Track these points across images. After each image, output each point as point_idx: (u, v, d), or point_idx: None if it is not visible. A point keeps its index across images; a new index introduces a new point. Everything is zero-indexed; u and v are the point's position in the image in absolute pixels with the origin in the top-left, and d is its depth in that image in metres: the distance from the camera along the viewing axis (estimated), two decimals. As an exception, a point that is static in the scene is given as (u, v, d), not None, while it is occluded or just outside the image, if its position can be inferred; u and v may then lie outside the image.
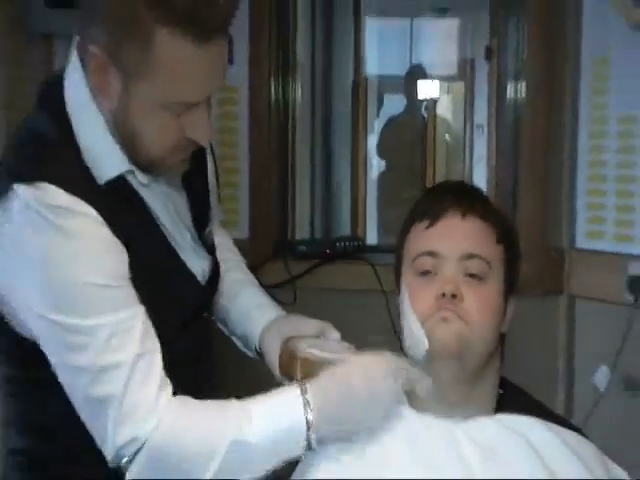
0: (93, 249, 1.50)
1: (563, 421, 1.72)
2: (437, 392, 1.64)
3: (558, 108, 2.75)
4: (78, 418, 1.53)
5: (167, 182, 1.69)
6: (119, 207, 1.54)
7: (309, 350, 1.68)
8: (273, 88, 2.96)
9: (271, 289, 2.72)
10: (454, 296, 1.61)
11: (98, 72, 1.50)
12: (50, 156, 1.52)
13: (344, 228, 4.46)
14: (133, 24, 1.43)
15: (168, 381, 1.53)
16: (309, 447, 1.52)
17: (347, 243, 3.05)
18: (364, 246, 3.08)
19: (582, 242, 2.71)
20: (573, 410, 2.71)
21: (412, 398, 1.67)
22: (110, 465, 1.52)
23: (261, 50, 2.83)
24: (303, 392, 1.52)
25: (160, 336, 1.55)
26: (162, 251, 1.66)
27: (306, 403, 1.51)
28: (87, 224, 1.49)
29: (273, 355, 1.79)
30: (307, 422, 1.51)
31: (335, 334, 1.75)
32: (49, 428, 1.65)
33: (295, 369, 1.68)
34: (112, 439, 1.49)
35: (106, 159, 1.56)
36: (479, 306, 1.62)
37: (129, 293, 1.53)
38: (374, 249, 3.11)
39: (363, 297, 2.64)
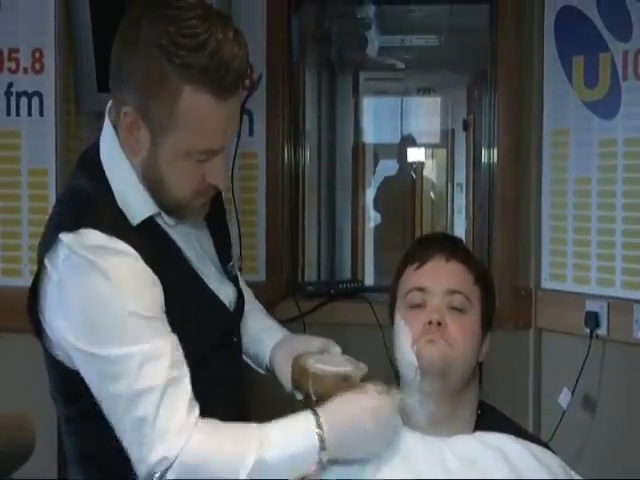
0: (131, 283, 1.46)
1: (532, 437, 1.72)
2: (424, 409, 1.64)
3: (525, 170, 2.76)
4: (122, 449, 1.48)
5: (192, 223, 1.66)
6: (151, 245, 1.51)
7: (318, 365, 1.61)
8: (286, 153, 2.96)
9: (284, 323, 2.71)
10: (439, 324, 1.62)
11: (130, 130, 1.49)
12: (89, 205, 1.51)
13: (346, 271, 4.45)
14: (162, 85, 1.42)
15: (196, 405, 1.47)
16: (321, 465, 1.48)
17: (348, 284, 3.03)
18: (363, 287, 3.07)
19: (547, 283, 2.70)
20: (541, 426, 2.69)
21: (405, 417, 1.66)
22: None
23: (276, 123, 2.84)
24: (318, 425, 1.47)
25: (194, 358, 1.49)
26: (191, 281, 1.61)
27: (320, 437, 1.46)
28: (125, 260, 1.46)
29: (284, 370, 1.72)
30: (319, 451, 1.46)
31: (337, 349, 1.72)
32: (100, 460, 1.59)
33: (307, 383, 1.61)
34: (146, 458, 1.43)
35: (137, 204, 1.54)
36: (461, 333, 1.63)
37: (162, 324, 1.48)
38: (371, 289, 3.09)
39: (362, 331, 2.62)
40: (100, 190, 1.53)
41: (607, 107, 2.50)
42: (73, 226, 1.46)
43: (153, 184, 1.53)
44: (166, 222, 1.59)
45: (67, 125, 2.61)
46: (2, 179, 2.61)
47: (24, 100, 2.58)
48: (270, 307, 2.73)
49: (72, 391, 1.56)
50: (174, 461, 1.42)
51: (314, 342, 1.74)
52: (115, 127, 1.55)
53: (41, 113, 2.57)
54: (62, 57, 2.58)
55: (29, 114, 2.58)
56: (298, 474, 1.48)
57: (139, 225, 1.53)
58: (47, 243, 1.50)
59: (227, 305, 1.70)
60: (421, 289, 1.67)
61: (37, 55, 2.57)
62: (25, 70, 2.58)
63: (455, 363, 1.61)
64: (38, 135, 2.58)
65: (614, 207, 2.49)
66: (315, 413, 1.48)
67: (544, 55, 2.68)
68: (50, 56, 2.56)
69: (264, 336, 1.85)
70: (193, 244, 1.65)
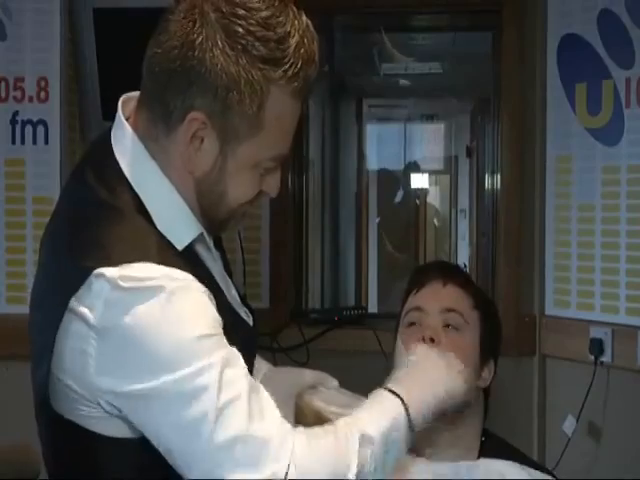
0: (194, 305, 1.25)
1: (536, 465, 1.72)
2: (423, 434, 1.64)
3: (528, 197, 2.77)
4: None
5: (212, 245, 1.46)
6: (194, 272, 1.29)
7: (332, 409, 1.47)
8: (290, 181, 2.98)
9: (288, 351, 2.73)
10: (432, 340, 1.64)
11: (192, 141, 1.27)
12: (127, 230, 1.27)
13: (350, 298, 4.47)
14: (246, 86, 1.24)
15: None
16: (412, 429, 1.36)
17: (352, 311, 3.04)
18: (366, 314, 3.08)
19: (551, 310, 2.70)
20: (546, 453, 2.69)
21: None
22: None
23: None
24: (403, 403, 1.35)
25: None
26: (225, 308, 1.39)
27: (406, 408, 1.35)
28: (183, 285, 1.25)
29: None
30: (408, 418, 1.35)
31: (334, 382, 1.56)
32: None
33: None
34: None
35: (182, 225, 1.33)
36: (454, 351, 1.62)
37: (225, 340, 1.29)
38: (375, 316, 3.12)
39: (366, 358, 2.63)
40: (135, 213, 1.29)
41: (610, 134, 2.52)
42: (113, 258, 1.23)
43: (212, 198, 1.33)
44: (207, 243, 1.39)
45: (72, 153, 2.62)
46: (7, 207, 2.62)
47: (29, 128, 2.59)
48: (274, 335, 2.75)
49: (99, 461, 1.32)
50: (286, 475, 1.22)
51: (306, 376, 1.57)
52: (150, 137, 1.32)
53: (46, 141, 2.58)
54: (67, 86, 2.60)
55: (34, 142, 2.59)
56: (399, 446, 1.35)
57: (183, 250, 1.31)
58: (71, 279, 1.24)
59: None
60: (418, 309, 1.71)
61: (42, 84, 2.58)
62: (30, 99, 2.59)
63: None
64: (43, 163, 2.59)
65: (618, 234, 2.50)
66: (397, 395, 1.37)
67: (547, 82, 2.70)
68: (55, 85, 2.58)
69: None
70: (219, 268, 1.47)
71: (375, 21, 3.43)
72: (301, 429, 1.28)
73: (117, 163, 1.32)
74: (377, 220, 5.44)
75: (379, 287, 5.33)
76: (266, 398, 1.28)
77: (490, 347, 1.71)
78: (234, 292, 1.51)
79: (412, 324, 1.70)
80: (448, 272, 1.76)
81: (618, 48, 2.48)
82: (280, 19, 1.25)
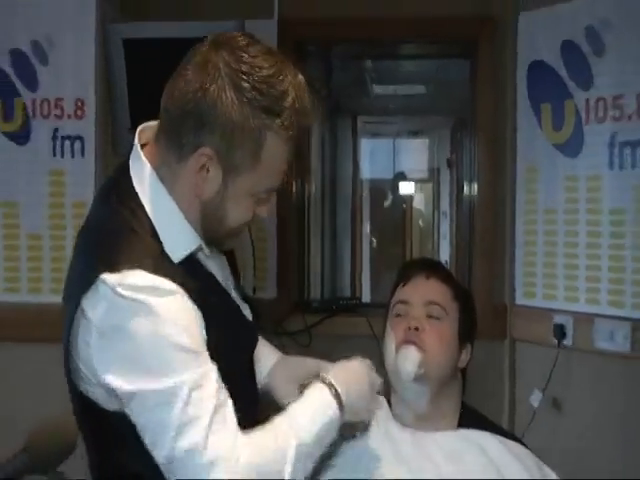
0: (179, 318, 1.30)
1: (507, 433, 1.72)
2: (411, 405, 1.67)
3: (501, 202, 2.78)
4: None
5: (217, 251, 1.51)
6: (192, 277, 1.35)
7: None
8: (294, 187, 2.99)
9: (292, 335, 2.74)
10: (417, 329, 1.65)
11: (200, 171, 1.33)
12: (134, 243, 1.33)
13: (346, 289, 4.47)
14: (247, 132, 1.31)
15: (238, 427, 1.31)
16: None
17: (348, 301, 3.06)
18: (360, 303, 3.09)
19: (520, 299, 2.71)
20: (515, 423, 2.70)
21: (396, 415, 1.68)
22: None
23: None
24: (335, 395, 1.41)
25: (236, 382, 1.35)
26: (229, 307, 1.47)
27: (339, 405, 1.41)
28: (174, 299, 1.30)
29: (288, 396, 1.53)
30: (340, 416, 1.40)
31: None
32: None
33: None
34: None
35: (181, 240, 1.38)
36: (436, 338, 1.65)
37: (205, 355, 1.32)
38: (368, 305, 3.12)
39: (360, 342, 2.62)
40: (143, 226, 1.35)
41: (571, 148, 2.53)
42: (117, 266, 1.29)
43: (212, 220, 1.39)
44: (205, 253, 1.44)
45: (105, 165, 2.63)
46: (51, 211, 2.63)
47: (67, 143, 2.60)
48: (280, 321, 2.76)
49: (108, 437, 1.39)
50: None
51: (310, 363, 1.59)
52: (164, 164, 1.37)
53: (82, 154, 2.60)
54: (101, 106, 2.61)
55: (72, 155, 2.61)
56: (328, 442, 1.40)
57: (184, 260, 1.37)
58: (84, 282, 1.31)
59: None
60: (404, 302, 1.71)
61: (79, 104, 2.60)
62: (69, 117, 2.60)
63: (430, 367, 1.63)
64: (80, 173, 2.60)
65: (577, 234, 2.51)
66: (329, 385, 1.42)
67: (517, 102, 2.71)
68: (91, 105, 2.59)
69: (260, 355, 1.63)
70: (222, 268, 1.52)
71: (368, 50, 3.44)
72: (247, 440, 1.30)
73: (134, 188, 1.38)
74: (370, 221, 5.45)
75: (371, 280, 5.34)
76: (229, 415, 1.30)
77: (467, 333, 1.72)
78: (234, 292, 1.54)
79: (399, 315, 1.71)
80: (431, 268, 1.77)
81: (578, 73, 2.49)
82: (280, 78, 1.32)
